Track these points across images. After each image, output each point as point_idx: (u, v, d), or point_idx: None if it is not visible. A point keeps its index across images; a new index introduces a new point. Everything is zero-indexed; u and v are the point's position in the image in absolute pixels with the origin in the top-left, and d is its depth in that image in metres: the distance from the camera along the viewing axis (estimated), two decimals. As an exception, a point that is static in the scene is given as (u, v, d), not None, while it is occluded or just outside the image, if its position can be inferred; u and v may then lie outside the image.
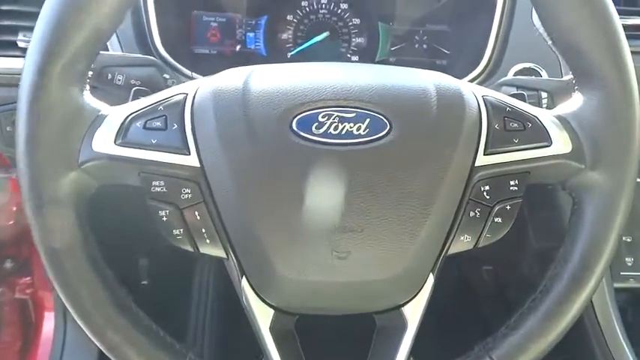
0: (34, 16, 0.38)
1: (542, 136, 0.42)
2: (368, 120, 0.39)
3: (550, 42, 0.46)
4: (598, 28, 0.41)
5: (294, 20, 0.77)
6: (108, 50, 0.61)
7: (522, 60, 0.66)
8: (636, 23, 0.67)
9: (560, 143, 0.42)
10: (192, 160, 0.39)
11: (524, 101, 0.47)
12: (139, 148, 0.39)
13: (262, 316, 0.41)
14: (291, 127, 0.39)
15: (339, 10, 0.78)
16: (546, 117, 0.43)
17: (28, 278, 0.84)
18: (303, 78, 0.41)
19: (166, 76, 0.52)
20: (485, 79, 0.67)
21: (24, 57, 0.38)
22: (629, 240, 0.62)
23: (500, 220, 0.42)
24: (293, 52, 0.78)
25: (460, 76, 0.57)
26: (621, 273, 0.61)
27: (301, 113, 0.39)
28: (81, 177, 0.39)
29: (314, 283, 0.40)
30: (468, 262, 0.99)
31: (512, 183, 0.42)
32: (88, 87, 0.41)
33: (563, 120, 0.43)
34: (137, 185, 0.40)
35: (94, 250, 0.41)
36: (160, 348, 0.42)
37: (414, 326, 0.42)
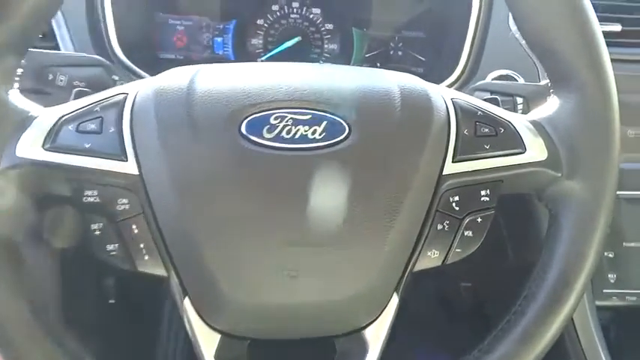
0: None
1: (515, 143, 0.39)
2: (325, 123, 0.36)
3: (525, 44, 0.43)
4: (575, 28, 0.39)
5: (265, 25, 0.74)
6: (59, 50, 0.57)
7: (499, 67, 0.63)
8: (614, 30, 0.65)
9: (535, 150, 0.39)
10: (129, 167, 0.35)
11: (498, 106, 0.44)
12: (70, 154, 0.35)
13: (207, 341, 0.36)
14: (239, 130, 0.35)
15: (312, 15, 0.75)
16: (520, 122, 0.40)
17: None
18: (254, 77, 0.37)
19: (115, 77, 0.48)
20: (460, 87, 0.64)
21: None
22: (611, 256, 0.59)
23: (470, 234, 0.38)
24: (263, 58, 0.75)
25: (436, 84, 0.54)
26: (604, 290, 0.58)
27: (251, 115, 0.35)
28: (2, 186, 0.35)
29: (264, 304, 0.36)
30: (446, 279, 0.95)
31: (483, 193, 0.38)
32: (15, 86, 0.37)
33: (538, 125, 0.40)
34: (67, 195, 0.36)
35: (18, 273, 0.36)
36: None
37: (377, 351, 0.38)
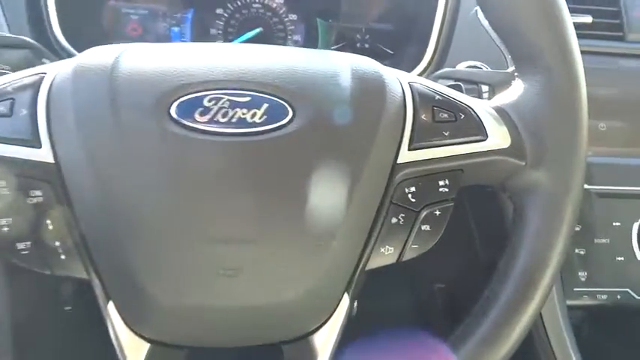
0: None
1: (476, 129, 0.36)
2: (266, 106, 0.32)
3: (489, 26, 0.41)
4: (540, 6, 0.36)
5: (225, 14, 0.71)
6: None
7: (467, 58, 0.61)
8: (585, 21, 0.63)
9: (498, 137, 0.36)
10: (44, 155, 0.31)
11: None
12: None
13: (133, 350, 0.32)
14: (169, 113, 0.31)
15: (274, 5, 0.71)
16: (482, 108, 0.37)
17: None
18: (188, 57, 0.34)
19: (46, 60, 0.44)
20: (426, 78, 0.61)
21: None
22: (582, 253, 0.56)
23: (428, 228, 0.35)
24: (223, 49, 0.71)
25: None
26: (574, 289, 0.55)
27: (182, 97, 0.32)
28: None
29: (197, 308, 0.32)
30: (419, 280, 0.93)
31: (442, 183, 0.35)
32: None
33: (501, 111, 0.37)
34: None
35: None
36: None
37: (327, 357, 0.34)
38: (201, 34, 0.71)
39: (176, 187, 0.31)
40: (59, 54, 0.57)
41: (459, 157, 0.35)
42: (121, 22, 0.69)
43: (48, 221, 0.31)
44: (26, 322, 0.66)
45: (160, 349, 0.33)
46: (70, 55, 0.58)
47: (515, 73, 0.39)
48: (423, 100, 0.36)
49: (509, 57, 0.40)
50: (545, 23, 0.36)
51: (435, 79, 0.48)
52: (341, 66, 0.35)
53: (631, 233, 0.58)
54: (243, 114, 0.32)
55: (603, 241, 0.57)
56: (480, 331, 0.36)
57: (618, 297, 0.56)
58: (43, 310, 0.75)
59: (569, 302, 0.55)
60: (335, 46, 0.73)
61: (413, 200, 0.35)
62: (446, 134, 0.35)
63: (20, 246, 0.31)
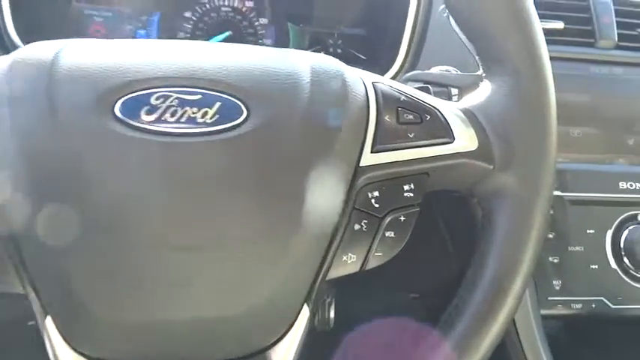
0: None
1: (442, 131, 0.35)
2: (218, 105, 0.30)
3: (457, 27, 0.40)
4: (508, 9, 0.35)
5: (193, 17, 0.69)
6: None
7: (440, 63, 0.60)
8: (556, 27, 0.63)
9: (465, 139, 0.35)
10: None
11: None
12: None
13: None
14: (112, 111, 0.29)
15: (244, 8, 0.70)
16: (449, 109, 0.36)
17: None
18: (135, 53, 0.32)
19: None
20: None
21: None
22: (556, 261, 0.55)
23: (392, 234, 0.33)
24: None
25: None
26: (549, 298, 0.54)
27: (127, 94, 0.30)
28: None
29: (142, 323, 0.29)
30: (393, 291, 0.91)
31: (406, 188, 0.34)
32: None
33: (468, 113, 0.36)
34: None
35: None
36: None
37: (285, 374, 0.32)
38: (168, 38, 0.69)
39: (118, 191, 0.28)
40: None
41: (424, 159, 0.34)
42: (84, 23, 0.67)
43: None
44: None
45: (102, 368, 0.30)
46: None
47: (484, 75, 0.37)
48: (387, 100, 0.34)
49: (477, 58, 0.39)
50: (513, 25, 0.35)
51: (404, 82, 0.47)
52: (300, 65, 0.33)
53: (605, 241, 0.57)
54: (194, 113, 0.30)
55: (577, 248, 0.56)
56: (448, 343, 0.34)
57: (593, 306, 0.55)
58: (7, 326, 0.72)
59: (543, 312, 0.54)
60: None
61: (376, 205, 0.33)
62: (411, 136, 0.34)
63: None
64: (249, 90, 0.31)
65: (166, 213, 0.29)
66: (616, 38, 0.63)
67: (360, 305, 0.86)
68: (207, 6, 0.69)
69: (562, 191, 0.57)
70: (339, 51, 0.72)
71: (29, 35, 0.57)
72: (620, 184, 0.59)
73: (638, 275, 0.56)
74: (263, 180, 0.30)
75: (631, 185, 0.59)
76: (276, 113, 0.31)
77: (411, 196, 0.34)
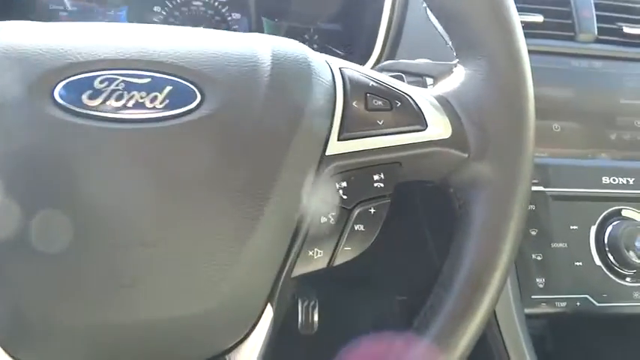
0: None
1: (414, 118, 0.33)
2: (169, 88, 0.28)
3: (431, 14, 0.38)
4: None
5: (162, 12, 0.66)
6: None
7: (417, 56, 0.58)
8: (536, 20, 0.62)
9: (438, 127, 0.33)
10: None
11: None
12: None
13: None
14: (52, 95, 0.27)
15: (217, 3, 0.68)
16: (421, 96, 0.34)
17: None
18: (78, 34, 0.29)
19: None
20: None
21: None
22: (539, 258, 0.53)
23: (362, 228, 0.31)
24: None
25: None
26: (532, 297, 0.52)
27: (69, 77, 0.27)
28: None
29: (88, 326, 0.27)
30: (379, 293, 0.89)
31: (376, 178, 0.32)
32: None
33: (442, 100, 0.34)
34: None
35: None
36: None
37: (247, 380, 0.30)
38: (137, 33, 0.66)
39: (55, 183, 0.26)
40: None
41: (395, 148, 0.32)
42: (50, 18, 0.64)
43: None
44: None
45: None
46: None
47: (458, 61, 0.36)
48: (355, 86, 0.32)
49: (451, 44, 0.37)
50: (488, 8, 0.34)
51: (379, 71, 0.45)
52: (260, 48, 0.31)
53: (589, 237, 0.55)
54: (142, 97, 0.27)
55: (560, 245, 0.54)
56: (424, 342, 0.32)
57: (577, 304, 0.53)
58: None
59: (527, 310, 0.52)
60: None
61: (344, 197, 0.31)
62: (380, 123, 0.32)
63: None
64: (204, 73, 0.29)
65: (111, 207, 0.26)
66: (596, 32, 0.62)
67: (345, 308, 0.83)
68: (178, 0, 0.67)
69: (544, 186, 0.56)
70: (315, 46, 0.70)
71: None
72: (604, 179, 0.57)
73: (622, 272, 0.55)
74: (219, 170, 0.28)
75: (614, 180, 0.57)
76: (233, 98, 0.29)
77: (381, 187, 0.31)
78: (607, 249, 0.55)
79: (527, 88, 0.33)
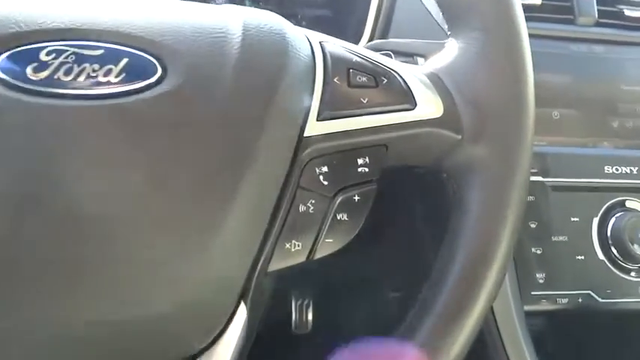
0: None
1: (402, 96, 0.30)
2: (125, 61, 0.25)
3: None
4: None
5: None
6: None
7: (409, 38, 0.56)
8: (534, 3, 0.59)
9: (428, 105, 0.30)
10: None
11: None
12: None
13: None
14: None
15: (199, -12, 0.64)
16: (409, 72, 0.31)
17: None
18: (23, 2, 0.26)
19: None
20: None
21: None
22: (539, 252, 0.51)
23: (345, 217, 0.28)
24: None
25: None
26: (532, 293, 0.49)
27: (11, 49, 0.24)
28: None
29: (32, 331, 0.24)
30: (373, 290, 0.86)
31: (361, 162, 0.29)
32: None
33: (432, 77, 0.31)
34: None
35: None
36: None
37: (218, 387, 0.27)
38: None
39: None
40: None
41: (380, 129, 0.29)
42: None
43: None
44: None
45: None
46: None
47: (449, 34, 0.33)
48: (336, 61, 0.29)
49: (442, 16, 0.34)
50: None
51: (365, 53, 0.42)
52: (231, 19, 0.28)
53: (591, 229, 0.52)
54: (94, 71, 0.24)
55: (561, 238, 0.51)
56: (415, 345, 0.29)
57: (580, 300, 0.50)
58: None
59: (526, 307, 0.49)
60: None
61: (325, 183, 0.28)
62: (364, 102, 0.29)
63: None
64: (165, 44, 0.26)
65: (58, 194, 0.23)
66: (596, 15, 0.60)
67: (338, 306, 0.80)
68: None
69: (543, 176, 0.53)
70: (303, 34, 0.67)
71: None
72: (606, 168, 0.54)
73: (627, 266, 0.52)
74: (181, 153, 0.25)
75: (617, 169, 0.55)
76: (199, 73, 0.26)
77: (366, 172, 0.29)
78: (610, 242, 0.52)
79: (526, 60, 0.30)
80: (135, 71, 0.25)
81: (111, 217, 0.24)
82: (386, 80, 0.30)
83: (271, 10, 0.70)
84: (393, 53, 0.40)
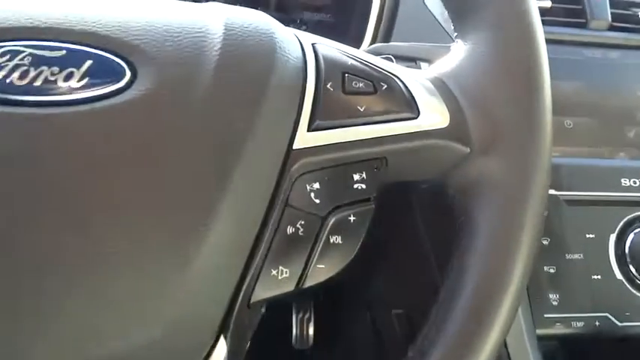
0: None
1: (403, 104, 0.27)
2: (89, 63, 0.22)
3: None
4: None
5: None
6: None
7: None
8: (543, 6, 0.56)
9: (433, 114, 0.27)
10: None
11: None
12: None
13: None
14: None
15: (194, -8, 0.62)
16: (412, 77, 0.28)
17: None
18: None
19: None
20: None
21: None
22: (552, 271, 0.47)
23: (339, 240, 0.25)
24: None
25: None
26: (545, 315, 0.46)
27: None
28: None
29: None
30: (375, 307, 0.83)
31: (357, 177, 0.26)
32: None
33: (437, 82, 0.28)
34: None
35: None
36: None
37: None
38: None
39: None
40: None
41: (379, 140, 0.26)
42: None
43: None
44: None
45: None
46: None
47: (456, 35, 0.30)
48: (330, 64, 0.26)
49: (448, 14, 0.31)
50: None
51: (365, 57, 0.39)
52: (211, 17, 0.25)
53: (607, 247, 0.49)
54: (53, 74, 0.22)
55: (576, 256, 0.48)
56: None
57: (596, 324, 0.47)
58: None
59: (539, 331, 0.45)
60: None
61: (317, 201, 0.25)
62: (361, 109, 0.26)
63: None
64: (135, 45, 0.23)
65: (13, 214, 0.20)
66: (609, 18, 0.57)
67: (340, 323, 0.77)
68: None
69: (556, 190, 0.50)
70: (302, 39, 0.64)
71: None
72: (623, 180, 0.51)
73: (647, 286, 0.49)
74: (152, 169, 0.22)
75: (635, 182, 0.51)
76: (173, 77, 0.23)
77: (362, 189, 0.25)
78: (628, 260, 0.49)
79: (542, 61, 0.27)
80: (100, 75, 0.22)
81: (69, 250, 0.21)
82: (385, 86, 0.27)
83: (273, 13, 0.67)
84: (395, 58, 0.37)
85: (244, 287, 0.24)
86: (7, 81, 0.21)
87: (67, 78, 0.22)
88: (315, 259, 0.25)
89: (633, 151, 0.55)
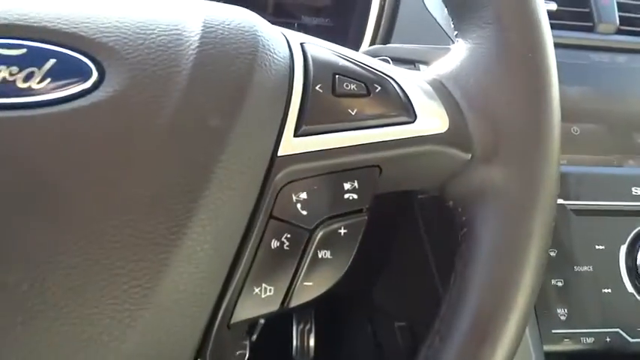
0: None
1: (399, 107, 0.25)
2: (52, 62, 0.20)
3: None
4: None
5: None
6: None
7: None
8: (549, 9, 0.54)
9: (431, 118, 0.25)
10: None
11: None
12: None
13: None
14: None
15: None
16: (409, 79, 0.26)
17: None
18: None
19: None
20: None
21: None
22: (560, 284, 0.45)
23: (328, 255, 0.23)
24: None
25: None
26: (553, 331, 0.44)
27: None
28: None
29: None
30: (377, 319, 0.80)
31: (348, 187, 0.24)
32: None
33: (436, 84, 0.26)
34: None
35: None
36: None
37: None
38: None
39: None
40: None
41: (372, 146, 0.24)
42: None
43: None
44: None
45: None
46: None
47: (457, 33, 0.28)
48: (319, 65, 0.24)
49: (447, 11, 0.29)
50: None
51: (361, 60, 0.37)
52: (188, 14, 0.23)
53: (618, 258, 0.47)
54: (12, 74, 0.20)
55: (585, 268, 0.46)
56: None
57: (607, 340, 0.44)
58: None
59: (546, 348, 0.43)
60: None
61: (304, 213, 0.23)
62: (353, 113, 0.24)
63: None
64: (103, 42, 0.21)
65: None
66: (617, 22, 0.55)
67: (341, 335, 0.76)
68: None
69: (564, 199, 0.47)
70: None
71: None
72: (634, 189, 0.49)
73: (659, 300, 0.46)
74: (120, 179, 0.20)
75: (646, 191, 0.49)
76: (145, 78, 0.21)
77: (354, 199, 0.23)
78: (640, 272, 0.47)
79: (550, 60, 0.25)
80: (64, 75, 0.20)
81: (33, 268, 0.19)
82: (379, 88, 0.25)
83: (269, 20, 0.65)
84: (392, 60, 0.35)
85: (223, 306, 0.22)
86: (-39, 81, 0.19)
87: (27, 78, 0.20)
88: (301, 276, 0.23)
89: (643, 159, 0.53)
